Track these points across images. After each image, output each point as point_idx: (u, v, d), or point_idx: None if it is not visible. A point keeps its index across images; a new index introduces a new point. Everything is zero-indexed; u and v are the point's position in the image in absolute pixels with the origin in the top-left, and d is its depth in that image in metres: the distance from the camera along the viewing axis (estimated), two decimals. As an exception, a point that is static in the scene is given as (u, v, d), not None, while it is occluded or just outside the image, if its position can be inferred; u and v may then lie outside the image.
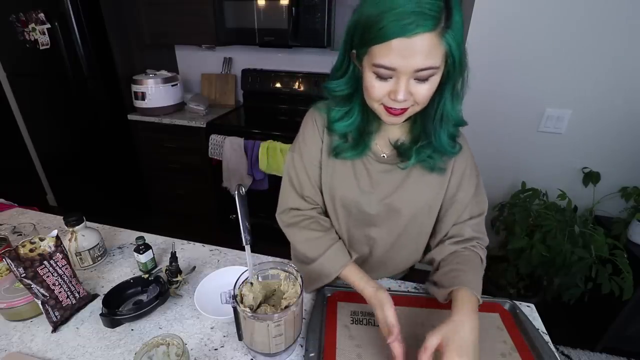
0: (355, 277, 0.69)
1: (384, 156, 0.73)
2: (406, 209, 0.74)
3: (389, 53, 0.52)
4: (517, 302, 0.76)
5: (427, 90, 0.56)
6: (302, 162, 0.76)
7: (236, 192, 0.60)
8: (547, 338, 0.68)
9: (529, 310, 0.76)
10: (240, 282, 0.62)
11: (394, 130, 0.72)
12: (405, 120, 0.66)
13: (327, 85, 0.67)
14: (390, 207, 0.74)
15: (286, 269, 0.66)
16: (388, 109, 0.59)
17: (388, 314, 0.60)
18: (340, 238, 0.79)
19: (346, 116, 0.68)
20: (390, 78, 0.55)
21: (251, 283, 0.63)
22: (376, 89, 0.57)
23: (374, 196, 0.74)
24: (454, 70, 0.56)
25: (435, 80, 0.56)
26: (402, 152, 0.70)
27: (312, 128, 0.75)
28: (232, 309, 0.59)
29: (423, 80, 0.54)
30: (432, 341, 0.54)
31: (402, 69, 0.53)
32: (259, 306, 0.63)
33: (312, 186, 0.78)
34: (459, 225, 0.75)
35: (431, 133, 0.65)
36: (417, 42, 0.50)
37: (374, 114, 0.65)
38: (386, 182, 0.73)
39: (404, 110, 0.59)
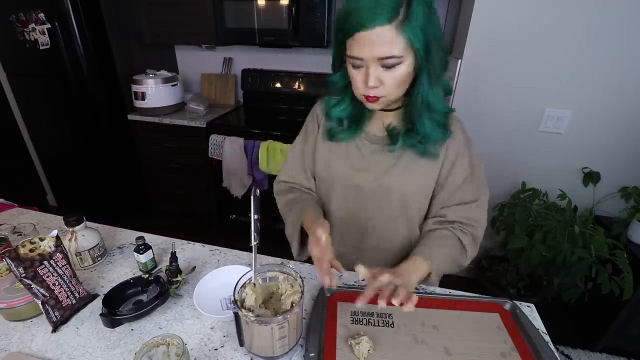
0: (310, 216, 0.77)
1: (374, 136, 0.80)
2: (396, 190, 0.78)
3: (356, 45, 0.60)
4: (517, 302, 0.76)
5: (394, 78, 0.63)
6: (301, 146, 0.88)
7: (252, 194, 0.64)
8: (547, 338, 0.68)
9: (529, 310, 0.76)
10: (240, 287, 0.62)
11: (388, 117, 0.78)
12: (398, 109, 0.75)
13: (328, 79, 0.77)
14: (382, 187, 0.79)
15: (285, 270, 0.66)
16: (366, 97, 0.67)
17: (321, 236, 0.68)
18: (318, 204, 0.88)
19: (340, 103, 0.77)
20: (362, 67, 0.63)
21: (254, 284, 0.62)
22: (356, 79, 0.66)
23: (368, 175, 0.79)
24: (422, 59, 0.62)
25: (402, 69, 0.62)
26: (392, 136, 0.76)
27: (312, 116, 0.87)
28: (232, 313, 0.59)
29: (390, 67, 0.61)
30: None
31: (367, 58, 0.61)
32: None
33: (301, 170, 0.89)
34: (445, 208, 0.79)
35: (415, 120, 0.71)
36: (376, 34, 0.58)
37: None
38: (378, 162, 0.79)
39: (377, 98, 0.66)
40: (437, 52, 0.62)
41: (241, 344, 0.62)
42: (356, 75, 0.65)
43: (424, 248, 0.74)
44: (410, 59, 0.61)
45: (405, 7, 0.56)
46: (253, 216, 0.62)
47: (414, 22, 0.57)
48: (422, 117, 0.70)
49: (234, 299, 0.59)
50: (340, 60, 0.70)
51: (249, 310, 0.60)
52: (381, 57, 0.59)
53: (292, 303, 0.61)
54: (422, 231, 0.83)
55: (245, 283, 0.63)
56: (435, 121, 0.71)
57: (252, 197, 0.64)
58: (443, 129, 0.72)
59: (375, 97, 0.66)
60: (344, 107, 0.77)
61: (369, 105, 0.69)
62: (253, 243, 0.62)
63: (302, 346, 0.65)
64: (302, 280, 0.62)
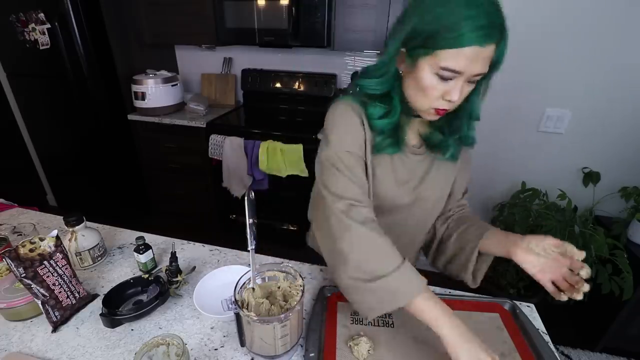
0: (434, 308, 0.56)
1: (414, 146, 0.76)
2: (433, 196, 0.79)
3: (460, 58, 0.56)
4: (517, 302, 0.76)
5: (467, 92, 0.62)
6: (350, 153, 0.68)
7: (246, 197, 0.61)
8: (547, 338, 0.68)
9: (529, 310, 0.76)
10: (240, 287, 0.62)
11: (422, 123, 0.76)
12: None
13: (362, 83, 0.68)
14: (420, 195, 0.78)
15: (284, 269, 0.66)
16: (437, 110, 0.63)
17: None
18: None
19: (388, 115, 0.69)
20: (451, 79, 0.59)
21: (253, 289, 0.62)
22: (435, 90, 0.60)
23: (407, 186, 0.77)
24: (490, 72, 0.61)
25: (475, 84, 0.62)
26: (433, 144, 0.75)
27: (356, 119, 0.69)
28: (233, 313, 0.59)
29: (472, 82, 0.60)
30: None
31: (467, 73, 0.57)
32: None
33: (363, 181, 0.70)
34: (459, 201, 0.86)
35: (459, 127, 0.71)
36: (485, 51, 0.55)
37: (407, 110, 0.69)
38: (416, 172, 0.77)
39: (446, 110, 0.64)
40: None
41: (242, 344, 0.62)
42: (437, 86, 0.60)
43: (483, 224, 0.79)
44: None
45: (501, 23, 0.56)
46: (248, 220, 0.61)
47: (506, 40, 0.57)
48: (465, 125, 0.71)
49: (235, 299, 0.59)
50: (389, 66, 0.64)
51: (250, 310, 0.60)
52: (477, 74, 0.58)
53: (287, 298, 0.61)
54: (454, 218, 0.85)
55: (245, 284, 0.63)
56: (472, 129, 0.73)
57: (246, 201, 0.62)
58: (473, 134, 0.75)
59: (446, 110, 0.63)
60: (393, 119, 0.68)
61: (432, 117, 0.66)
62: (249, 248, 0.62)
63: (302, 346, 0.66)
64: (303, 279, 0.62)
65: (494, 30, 0.54)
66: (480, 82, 0.64)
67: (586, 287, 0.61)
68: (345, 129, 0.69)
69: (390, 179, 0.74)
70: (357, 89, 0.70)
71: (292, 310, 0.57)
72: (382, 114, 0.68)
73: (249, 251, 0.62)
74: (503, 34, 0.56)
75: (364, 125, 0.69)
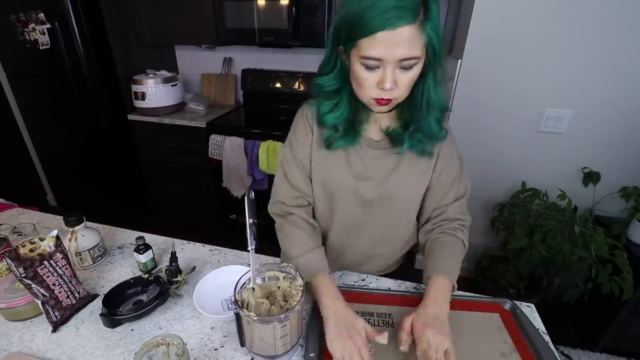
0: (326, 291, 0.67)
1: (373, 140, 0.76)
2: (401, 193, 0.77)
3: (375, 45, 0.56)
4: (517, 302, 0.76)
5: (409, 78, 0.61)
6: (293, 155, 0.80)
7: (246, 197, 0.61)
8: (547, 338, 0.68)
9: (529, 310, 0.76)
10: (240, 287, 0.62)
11: (384, 118, 0.75)
12: (394, 108, 0.70)
13: (317, 81, 0.71)
14: (386, 191, 0.77)
15: (284, 269, 0.66)
16: (377, 100, 0.64)
17: (361, 343, 0.59)
18: (323, 245, 0.81)
19: (335, 108, 0.72)
20: (378, 68, 0.60)
21: (253, 289, 0.62)
22: (367, 80, 0.61)
23: (371, 182, 0.77)
24: (434, 59, 0.61)
25: (417, 69, 0.60)
26: (394, 138, 0.74)
27: (303, 122, 0.79)
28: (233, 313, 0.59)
29: (407, 69, 0.59)
30: (405, 323, 0.63)
31: (388, 59, 0.57)
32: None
33: (303, 179, 0.81)
34: (441, 207, 0.80)
35: (419, 119, 0.69)
36: (400, 34, 0.54)
37: (362, 104, 0.69)
38: (380, 167, 0.77)
39: (389, 100, 0.63)
40: (444, 50, 0.62)
41: (242, 344, 0.62)
42: (368, 77, 0.61)
43: (440, 262, 0.73)
44: (423, 58, 0.59)
45: (424, 4, 0.54)
46: (248, 220, 0.61)
47: (433, 20, 0.55)
48: (425, 117, 0.69)
49: (235, 299, 0.59)
50: (335, 62, 0.67)
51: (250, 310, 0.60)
52: (402, 59, 0.57)
53: (287, 298, 0.61)
54: (426, 238, 0.81)
55: (245, 284, 0.63)
56: (435, 119, 0.70)
57: (246, 201, 0.62)
58: (441, 126, 0.72)
59: (388, 99, 0.63)
60: (340, 112, 0.71)
61: (377, 109, 0.66)
62: (250, 248, 0.62)
63: (302, 346, 0.65)
64: (303, 279, 0.62)
65: (404, 11, 0.52)
66: (430, 69, 0.62)
67: None
68: (295, 134, 0.80)
69: (346, 172, 0.77)
70: (316, 87, 0.72)
71: (292, 310, 0.57)
72: (330, 109, 0.72)
73: (249, 251, 0.62)
74: (422, 14, 0.54)
75: (313, 125, 0.77)
